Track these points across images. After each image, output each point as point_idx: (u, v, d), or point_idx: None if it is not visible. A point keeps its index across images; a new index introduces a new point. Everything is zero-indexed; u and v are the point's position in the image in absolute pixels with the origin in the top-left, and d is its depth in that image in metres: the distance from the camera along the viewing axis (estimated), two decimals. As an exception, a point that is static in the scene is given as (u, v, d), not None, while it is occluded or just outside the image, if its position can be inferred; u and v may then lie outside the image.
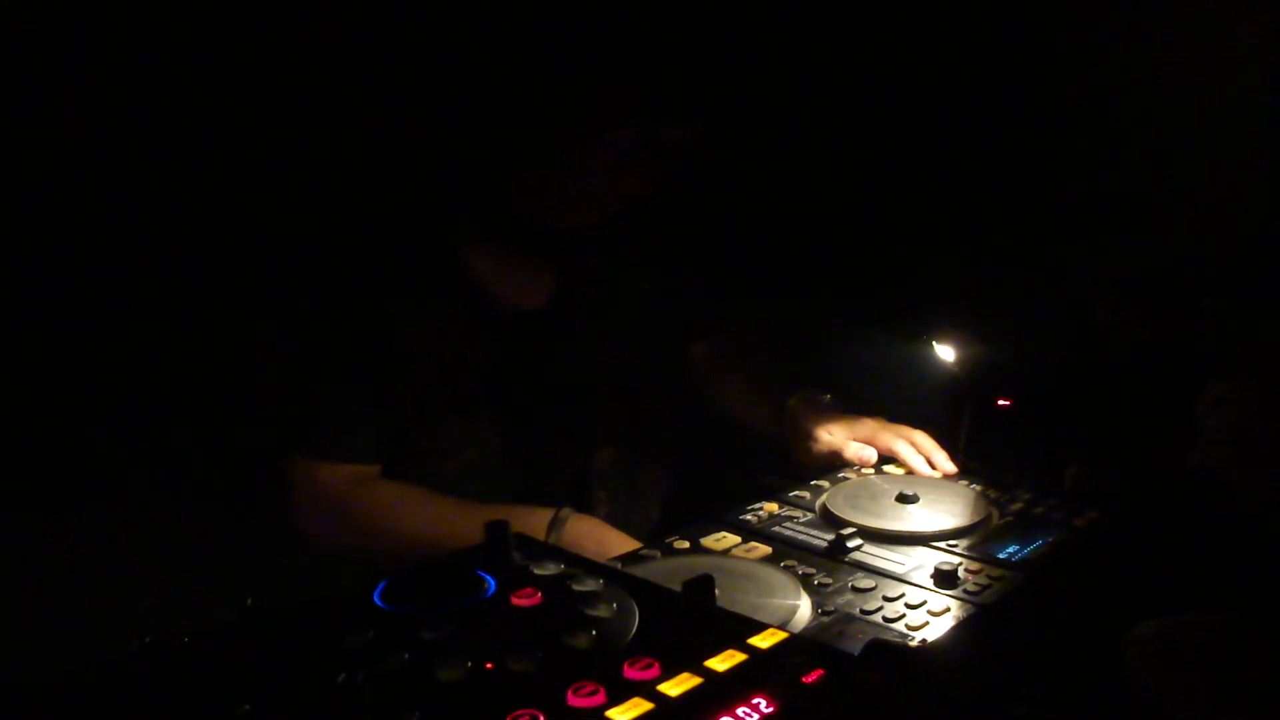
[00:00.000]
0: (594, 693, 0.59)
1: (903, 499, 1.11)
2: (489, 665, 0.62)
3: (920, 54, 1.61)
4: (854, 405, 1.36)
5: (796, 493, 1.18)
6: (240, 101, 1.52)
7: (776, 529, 1.08)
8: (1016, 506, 1.13)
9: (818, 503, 1.14)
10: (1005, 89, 1.54)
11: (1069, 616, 0.95)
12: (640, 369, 1.39)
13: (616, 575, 0.77)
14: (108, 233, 1.51)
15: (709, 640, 0.65)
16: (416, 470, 1.25)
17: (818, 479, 1.22)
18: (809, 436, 1.32)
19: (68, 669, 0.64)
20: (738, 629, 0.67)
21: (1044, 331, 1.39)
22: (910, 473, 1.24)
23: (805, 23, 1.67)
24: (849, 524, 1.05)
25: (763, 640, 0.65)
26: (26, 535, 1.45)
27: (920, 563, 0.98)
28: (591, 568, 0.77)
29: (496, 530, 0.78)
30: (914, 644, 0.83)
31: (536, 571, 0.75)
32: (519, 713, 0.57)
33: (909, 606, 0.89)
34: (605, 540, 1.14)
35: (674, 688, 0.60)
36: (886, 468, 1.27)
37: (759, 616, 0.73)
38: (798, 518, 1.11)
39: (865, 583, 0.93)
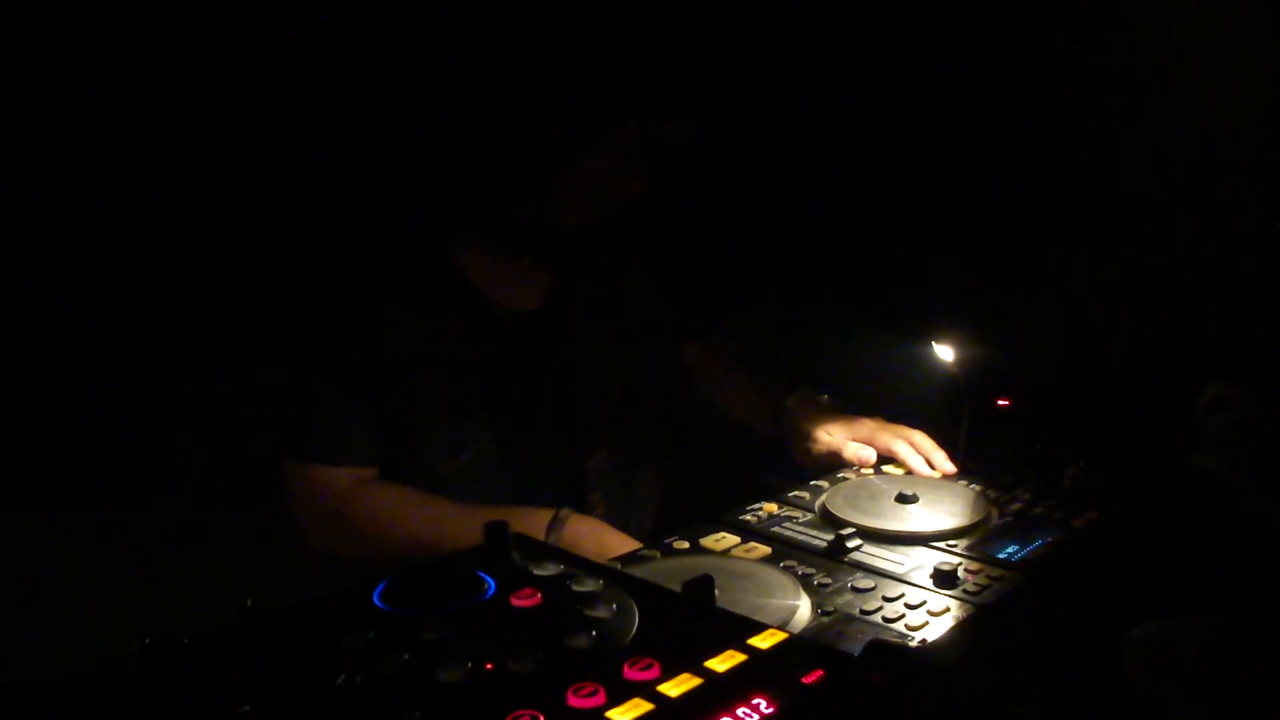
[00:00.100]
0: (594, 693, 0.59)
1: (902, 499, 1.11)
2: (489, 666, 0.62)
3: (920, 53, 1.61)
4: (853, 405, 1.36)
5: (796, 493, 1.18)
6: (237, 102, 1.52)
7: (776, 529, 1.08)
8: (1016, 507, 1.13)
9: (817, 503, 1.14)
10: (1005, 88, 1.54)
11: (1068, 617, 0.95)
12: (637, 369, 1.38)
13: (616, 576, 0.77)
14: (107, 234, 1.51)
15: (709, 641, 0.65)
16: (413, 472, 1.25)
17: (817, 479, 1.22)
18: (808, 437, 1.32)
19: (68, 669, 0.64)
20: (737, 629, 0.67)
21: (1043, 332, 1.39)
22: (909, 473, 1.24)
23: (804, 21, 1.67)
24: (848, 524, 1.05)
25: (762, 641, 0.65)
26: (26, 535, 1.45)
27: (920, 563, 0.98)
28: (591, 568, 0.77)
29: (496, 531, 0.78)
30: (914, 644, 0.84)
31: (536, 572, 0.75)
32: (519, 713, 0.57)
33: (908, 607, 0.89)
34: (604, 540, 1.14)
35: (674, 688, 0.60)
36: (886, 468, 1.27)
37: (759, 617, 0.73)
38: (797, 518, 1.11)
39: (865, 583, 0.94)
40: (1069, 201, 1.49)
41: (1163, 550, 1.02)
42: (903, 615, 0.87)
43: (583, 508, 1.23)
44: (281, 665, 0.64)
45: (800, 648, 0.66)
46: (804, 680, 0.61)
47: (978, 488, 1.18)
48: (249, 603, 0.69)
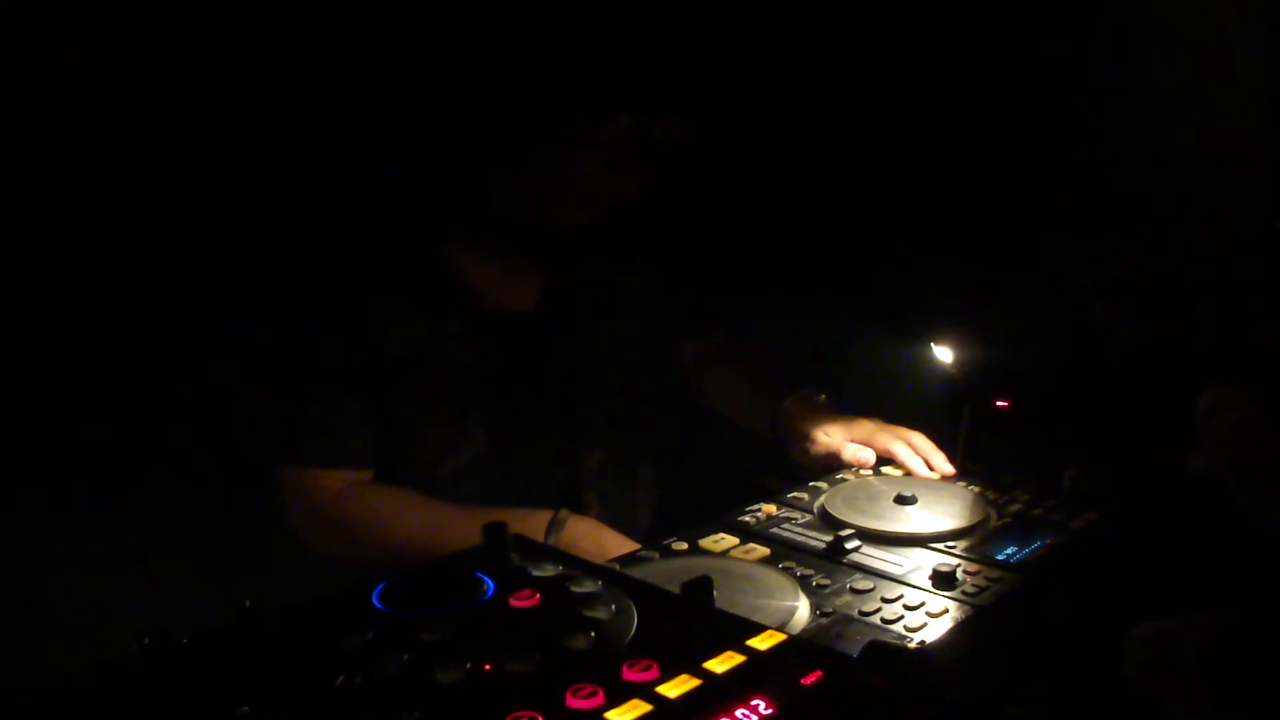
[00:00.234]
0: (593, 694, 0.59)
1: (901, 500, 1.11)
2: (488, 667, 0.62)
3: (920, 53, 1.61)
4: (851, 405, 1.36)
5: (795, 494, 1.18)
6: (236, 103, 1.52)
7: (775, 530, 1.08)
8: (1015, 508, 1.13)
9: (816, 504, 1.14)
10: (1005, 88, 1.54)
11: (1067, 618, 0.95)
12: (635, 369, 1.38)
13: (615, 577, 0.77)
14: (107, 234, 1.51)
15: (708, 642, 0.65)
16: (411, 473, 1.25)
17: (816, 480, 1.22)
18: (806, 438, 1.31)
19: (68, 669, 0.64)
20: (736, 630, 0.67)
21: (1043, 332, 1.39)
22: (908, 474, 1.24)
23: (803, 19, 1.67)
24: (847, 525, 1.05)
25: (761, 642, 0.65)
26: (26, 535, 1.45)
27: (919, 564, 0.98)
28: (590, 569, 0.77)
29: (495, 532, 0.78)
30: (912, 645, 0.84)
31: (535, 573, 0.75)
32: (518, 714, 0.58)
33: (907, 608, 0.89)
34: (603, 542, 1.14)
35: (673, 689, 0.60)
36: (885, 469, 1.27)
37: (757, 618, 0.73)
38: (796, 519, 1.11)
39: (864, 584, 0.94)
40: (1069, 201, 1.49)
41: (1163, 550, 1.02)
42: (901, 616, 0.88)
43: (579, 508, 1.23)
44: (280, 666, 0.64)
45: (799, 649, 0.66)
46: (803, 681, 0.61)
47: (976, 489, 1.18)
48: (248, 603, 0.69)
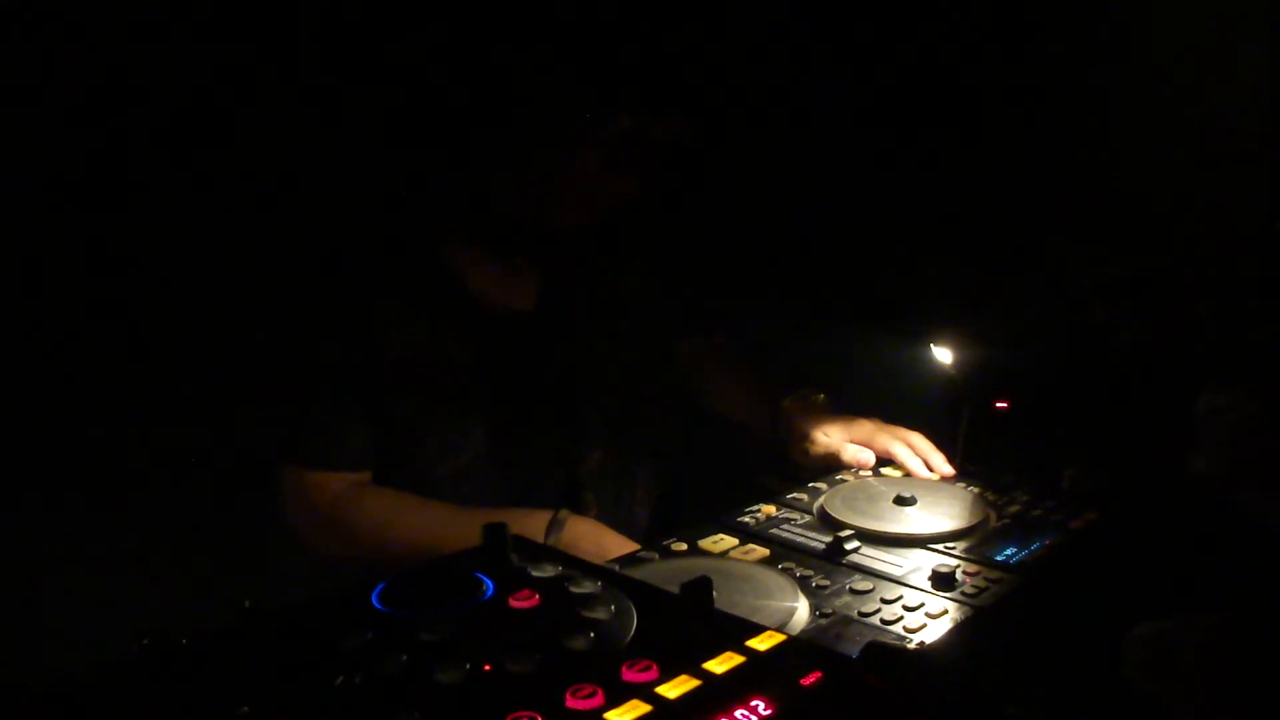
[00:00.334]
0: (592, 695, 0.59)
1: (900, 501, 1.11)
2: (487, 667, 0.62)
3: (920, 52, 1.61)
4: (851, 406, 1.36)
5: (794, 495, 1.18)
6: (233, 103, 1.52)
7: (774, 531, 1.08)
8: (1014, 508, 1.13)
9: (815, 505, 1.14)
10: (1005, 88, 1.54)
11: (1067, 618, 0.95)
12: (633, 369, 1.38)
13: (615, 577, 0.77)
14: (107, 235, 1.51)
15: (707, 642, 0.65)
16: (409, 474, 1.25)
17: (815, 481, 1.22)
18: (806, 438, 1.31)
19: (68, 669, 0.64)
20: (736, 631, 0.67)
21: (1042, 333, 1.39)
22: (908, 475, 1.24)
23: (803, 18, 1.67)
24: (847, 526, 1.05)
25: (761, 642, 0.65)
26: (26, 535, 1.45)
27: (918, 565, 0.98)
28: (589, 570, 0.77)
29: (495, 533, 0.78)
30: (912, 646, 0.84)
31: (534, 573, 0.75)
32: (517, 714, 0.58)
33: (907, 609, 0.89)
34: (603, 542, 1.14)
35: (672, 690, 0.60)
36: (884, 470, 1.27)
37: (757, 619, 0.73)
38: (795, 520, 1.11)
39: (863, 585, 0.94)
40: (1069, 201, 1.49)
41: (1163, 550, 1.02)
42: (901, 617, 0.88)
43: (578, 508, 1.23)
44: (280, 666, 0.64)
45: (798, 649, 0.66)
46: (802, 682, 0.61)
47: (976, 490, 1.18)
48: (247, 603, 0.69)
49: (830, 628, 0.86)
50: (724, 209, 1.66)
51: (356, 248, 1.26)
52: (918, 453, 1.25)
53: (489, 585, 0.72)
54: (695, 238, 1.55)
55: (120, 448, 1.56)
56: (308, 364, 1.24)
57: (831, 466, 1.28)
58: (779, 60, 1.67)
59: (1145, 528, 1.09)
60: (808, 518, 1.12)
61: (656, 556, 1.01)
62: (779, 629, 0.68)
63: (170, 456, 1.59)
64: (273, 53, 1.51)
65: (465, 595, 0.71)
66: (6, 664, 1.33)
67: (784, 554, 1.02)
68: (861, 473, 1.26)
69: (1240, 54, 1.32)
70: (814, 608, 0.89)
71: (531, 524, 1.14)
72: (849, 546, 1.01)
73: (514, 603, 0.70)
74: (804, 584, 0.94)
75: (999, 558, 1.00)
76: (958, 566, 0.95)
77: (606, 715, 0.58)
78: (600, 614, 0.69)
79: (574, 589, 0.72)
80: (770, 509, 1.14)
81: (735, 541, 1.05)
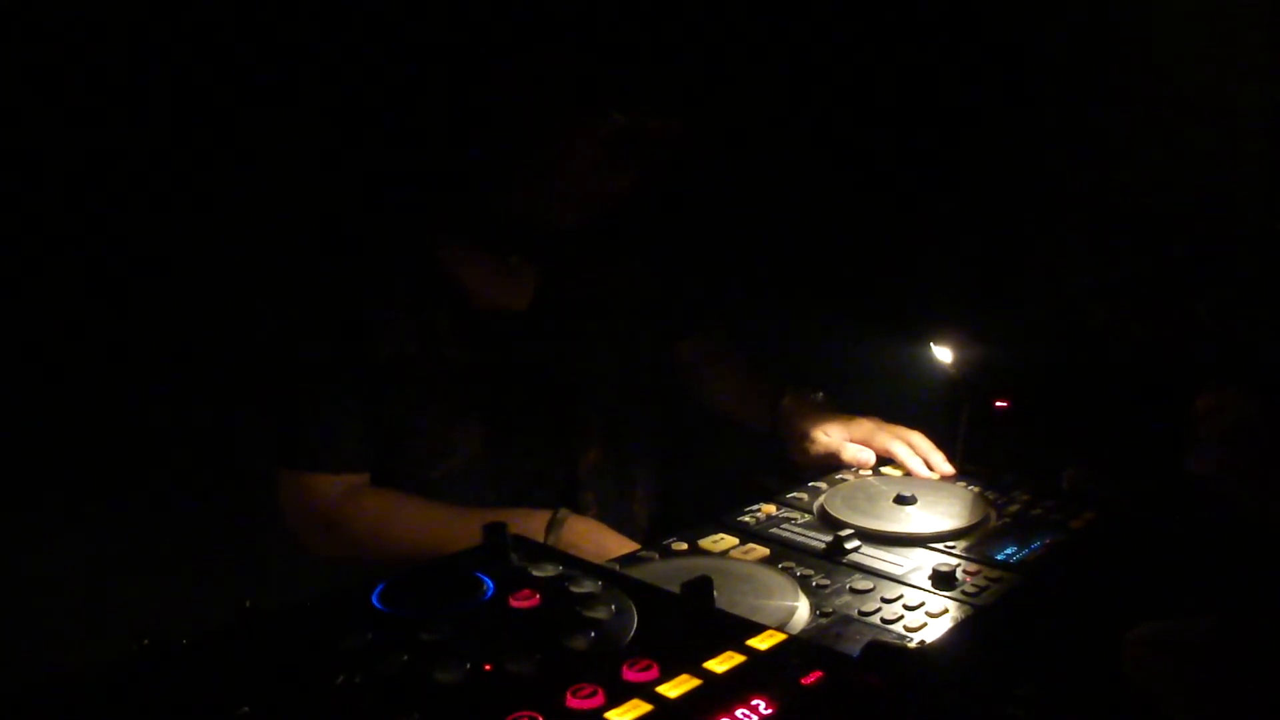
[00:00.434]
0: (593, 694, 0.59)
1: (901, 500, 1.11)
2: (488, 667, 0.62)
3: (921, 51, 1.61)
4: (851, 405, 1.36)
5: (794, 494, 1.18)
6: (230, 105, 1.52)
7: (774, 530, 1.08)
8: (1014, 508, 1.13)
9: (816, 504, 1.14)
10: (1005, 88, 1.54)
11: (1067, 618, 0.95)
12: (629, 367, 1.38)
13: (615, 577, 0.77)
14: (107, 236, 1.51)
15: (707, 642, 0.65)
16: (405, 477, 1.24)
17: (815, 480, 1.22)
18: (805, 437, 1.31)
19: (68, 669, 0.64)
20: (736, 630, 0.67)
21: (1042, 333, 1.39)
22: (908, 474, 1.24)
23: (800, 16, 1.67)
24: (847, 525, 1.05)
25: (761, 642, 0.65)
26: (26, 535, 1.45)
27: (918, 564, 0.98)
28: (590, 569, 0.77)
29: (495, 533, 0.78)
30: (912, 645, 0.84)
31: (535, 573, 0.75)
32: (518, 714, 0.58)
33: (907, 608, 0.89)
34: (603, 541, 1.14)
35: (673, 689, 0.60)
36: (884, 469, 1.27)
37: (757, 618, 0.73)
38: (795, 519, 1.11)
39: (863, 584, 0.94)
40: (1068, 202, 1.49)
41: (1160, 551, 1.02)
42: (901, 616, 0.88)
43: (576, 508, 1.23)
44: (280, 666, 0.64)
45: (799, 649, 0.66)
46: (802, 681, 0.61)
47: (976, 489, 1.18)
48: (247, 603, 0.69)
49: (830, 627, 0.86)
50: (722, 207, 1.66)
51: (350, 249, 1.26)
52: (918, 452, 1.25)
53: (489, 585, 0.73)
54: (693, 236, 1.55)
55: (120, 449, 1.56)
56: (303, 367, 1.23)
57: (831, 465, 1.28)
58: (778, 57, 1.67)
59: (1145, 528, 1.09)
60: (808, 517, 1.12)
61: (657, 556, 1.01)
62: (779, 628, 0.68)
63: (170, 457, 1.59)
64: (266, 53, 1.51)
65: (466, 595, 0.71)
66: (6, 664, 1.33)
67: (784, 553, 1.02)
68: (861, 472, 1.26)
69: (1240, 55, 1.32)
70: (814, 607, 0.89)
71: (531, 524, 1.14)
72: (849, 546, 1.01)
73: (514, 602, 0.70)
74: (804, 583, 0.94)
75: (999, 557, 1.00)
76: (958, 566, 0.95)
77: (607, 715, 0.58)
78: (601, 613, 0.69)
79: (574, 588, 0.72)
80: (770, 508, 1.14)
81: (735, 541, 1.05)
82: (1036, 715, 0.78)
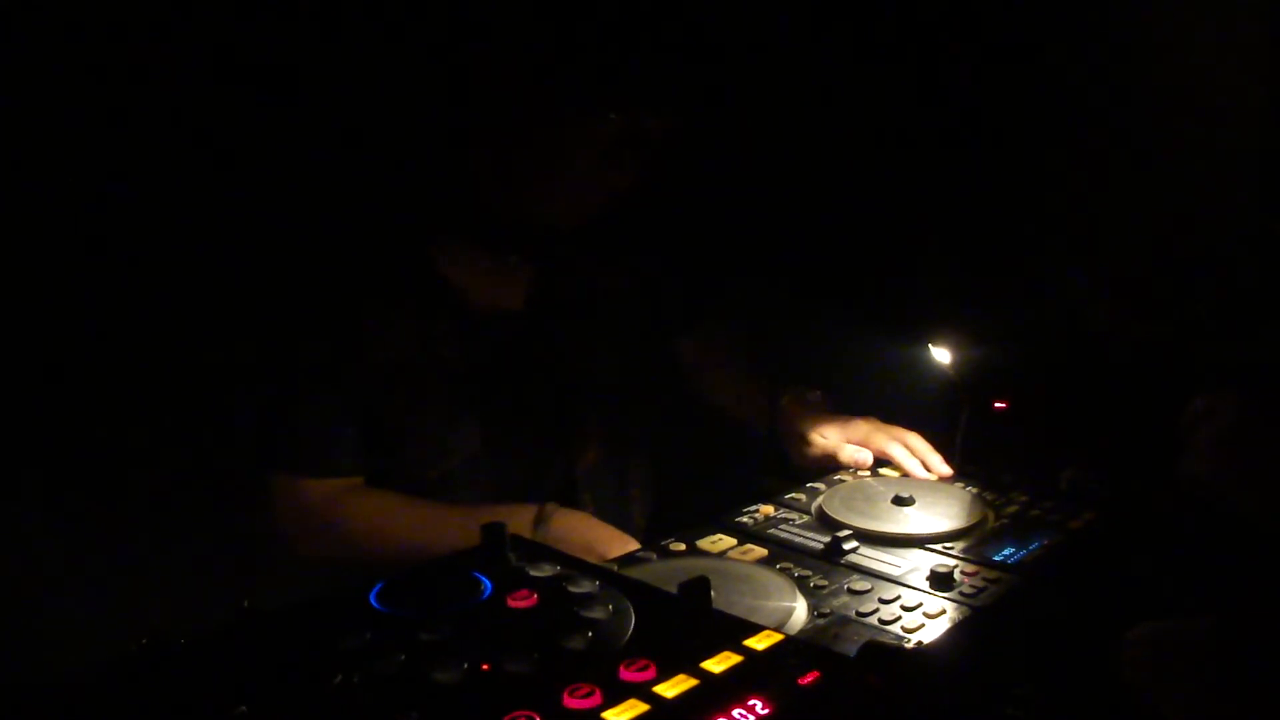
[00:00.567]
0: (590, 694, 0.59)
1: (899, 501, 1.11)
2: (485, 667, 0.62)
3: (919, 51, 1.61)
4: (850, 405, 1.36)
5: (792, 495, 1.18)
6: (216, 105, 1.52)
7: (772, 531, 1.08)
8: (1012, 509, 1.13)
9: (814, 505, 1.14)
10: (1004, 88, 1.54)
11: (1065, 618, 0.95)
12: (626, 368, 1.38)
13: (613, 577, 0.77)
14: (105, 237, 1.51)
15: (705, 642, 0.65)
16: (403, 479, 1.24)
17: (814, 481, 1.22)
18: (803, 439, 1.31)
19: (67, 670, 0.65)
20: (734, 631, 0.67)
21: (1042, 333, 1.39)
22: (905, 475, 1.24)
23: (801, 14, 1.67)
24: (845, 526, 1.05)
25: (759, 642, 0.65)
26: (26, 536, 1.45)
27: (916, 565, 0.99)
28: (588, 569, 0.78)
29: (493, 532, 0.79)
30: (910, 646, 0.84)
31: (533, 573, 0.75)
32: (515, 714, 0.58)
33: (905, 609, 0.89)
34: (591, 533, 1.14)
35: (670, 689, 0.60)
36: (882, 470, 1.27)
37: (755, 618, 0.73)
38: (794, 520, 1.11)
39: (861, 585, 0.94)
40: (1068, 202, 1.49)
41: (1159, 552, 1.02)
42: (899, 617, 0.88)
43: (574, 507, 1.23)
44: (278, 666, 0.64)
45: (796, 649, 0.66)
46: (800, 681, 0.61)
47: (974, 490, 1.18)
48: (246, 603, 0.69)
49: (828, 627, 0.86)
50: (721, 207, 1.66)
51: (347, 250, 1.25)
52: (915, 453, 1.25)
53: (487, 585, 0.73)
54: (692, 236, 1.55)
55: (120, 449, 1.56)
56: (297, 371, 1.22)
57: (829, 467, 1.28)
58: (777, 57, 1.67)
59: (1144, 528, 1.09)
60: (806, 518, 1.12)
61: (655, 556, 1.02)
62: (777, 629, 0.68)
63: (170, 456, 1.59)
64: (264, 51, 1.51)
65: (463, 595, 0.72)
66: (6, 664, 1.33)
67: (782, 554, 1.02)
68: (860, 473, 1.26)
69: (1240, 54, 1.33)
70: (812, 607, 0.89)
71: (519, 519, 1.14)
72: (847, 546, 1.01)
73: (512, 602, 0.71)
74: (802, 584, 0.94)
75: (997, 558, 1.00)
76: (956, 566, 0.96)
77: (604, 715, 0.58)
78: (598, 614, 0.69)
79: (572, 589, 0.72)
80: (769, 509, 1.14)
81: (734, 541, 1.05)
82: (1035, 715, 0.78)
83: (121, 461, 1.55)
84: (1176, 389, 1.01)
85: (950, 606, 0.90)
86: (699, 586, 0.70)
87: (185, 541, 1.56)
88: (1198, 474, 0.89)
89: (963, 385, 1.24)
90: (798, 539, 1.06)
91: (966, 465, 1.24)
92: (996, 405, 1.28)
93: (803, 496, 1.18)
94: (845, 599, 0.91)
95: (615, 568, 0.92)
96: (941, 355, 1.26)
